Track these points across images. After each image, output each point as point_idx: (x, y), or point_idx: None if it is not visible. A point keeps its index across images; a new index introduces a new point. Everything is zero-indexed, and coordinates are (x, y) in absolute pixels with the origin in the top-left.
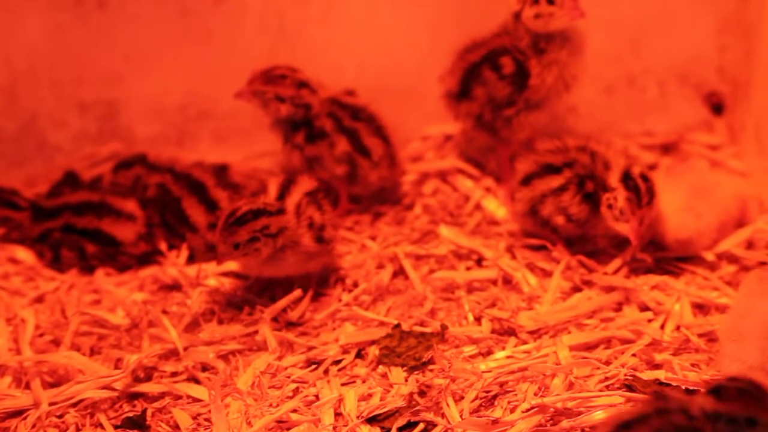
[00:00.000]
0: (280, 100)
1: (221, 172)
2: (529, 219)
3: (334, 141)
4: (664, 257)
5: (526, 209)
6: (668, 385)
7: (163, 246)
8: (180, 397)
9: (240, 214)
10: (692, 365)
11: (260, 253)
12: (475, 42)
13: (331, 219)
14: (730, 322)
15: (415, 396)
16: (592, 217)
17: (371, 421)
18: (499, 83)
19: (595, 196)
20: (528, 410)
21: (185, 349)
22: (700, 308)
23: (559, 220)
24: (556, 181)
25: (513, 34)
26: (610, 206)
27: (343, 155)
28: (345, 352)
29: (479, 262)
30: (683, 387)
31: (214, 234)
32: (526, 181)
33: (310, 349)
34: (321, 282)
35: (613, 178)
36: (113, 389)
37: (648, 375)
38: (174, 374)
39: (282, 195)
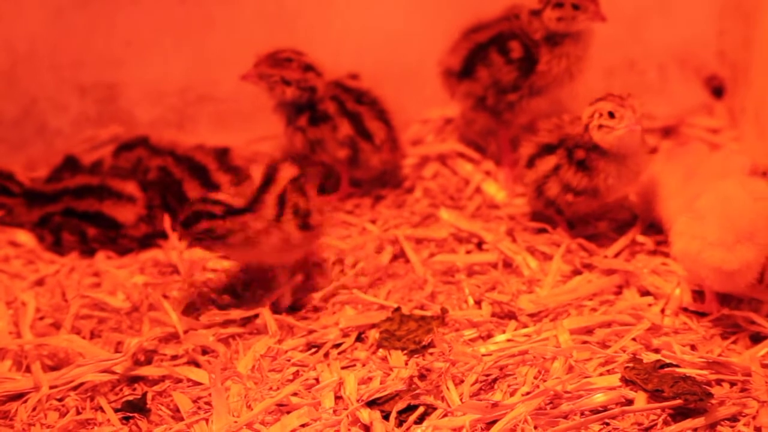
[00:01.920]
0: (286, 83)
1: (223, 155)
2: (539, 201)
3: (337, 124)
4: (665, 240)
5: (533, 191)
6: (669, 365)
7: (166, 224)
8: (180, 381)
9: (187, 215)
10: (691, 347)
11: (222, 247)
12: (481, 23)
13: (318, 204)
14: (682, 202)
15: (415, 379)
16: (595, 183)
17: (371, 404)
18: (505, 67)
19: (585, 162)
20: (528, 393)
21: (185, 332)
22: (700, 293)
23: (569, 197)
24: (553, 160)
25: (526, 25)
26: (600, 126)
27: (345, 138)
28: (345, 335)
29: (479, 245)
30: None
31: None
32: (530, 163)
33: (311, 332)
34: (318, 265)
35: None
36: (113, 372)
37: (648, 358)
38: (174, 357)
39: (266, 183)
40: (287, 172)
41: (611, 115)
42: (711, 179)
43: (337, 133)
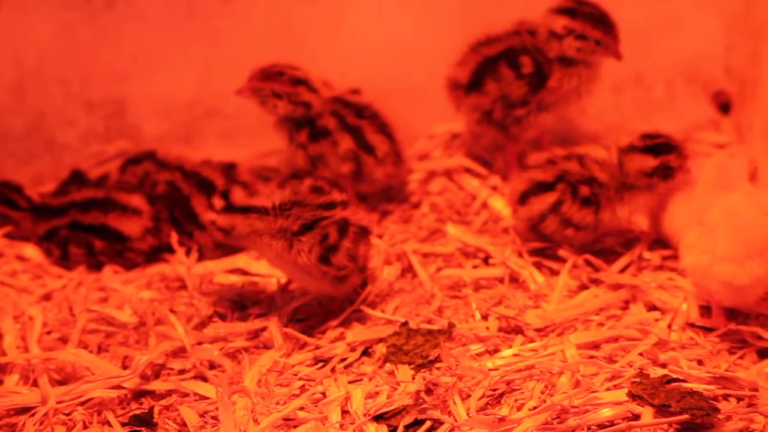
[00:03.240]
0: (277, 97)
1: (229, 170)
2: (532, 234)
3: (338, 139)
4: (672, 255)
5: (526, 227)
6: (676, 380)
7: (173, 239)
8: (187, 395)
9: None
10: (698, 362)
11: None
12: (490, 37)
13: (351, 250)
14: (692, 214)
15: (422, 394)
16: (599, 219)
17: (378, 419)
18: (515, 81)
19: (593, 198)
20: (535, 408)
21: (192, 346)
22: (708, 308)
23: (569, 232)
24: (551, 197)
25: (542, 43)
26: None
27: (347, 153)
28: (352, 349)
29: (486, 260)
30: None
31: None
32: (522, 200)
33: (318, 347)
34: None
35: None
36: (121, 387)
37: (654, 373)
38: (181, 372)
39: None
40: (357, 218)
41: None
42: (710, 188)
43: (338, 147)
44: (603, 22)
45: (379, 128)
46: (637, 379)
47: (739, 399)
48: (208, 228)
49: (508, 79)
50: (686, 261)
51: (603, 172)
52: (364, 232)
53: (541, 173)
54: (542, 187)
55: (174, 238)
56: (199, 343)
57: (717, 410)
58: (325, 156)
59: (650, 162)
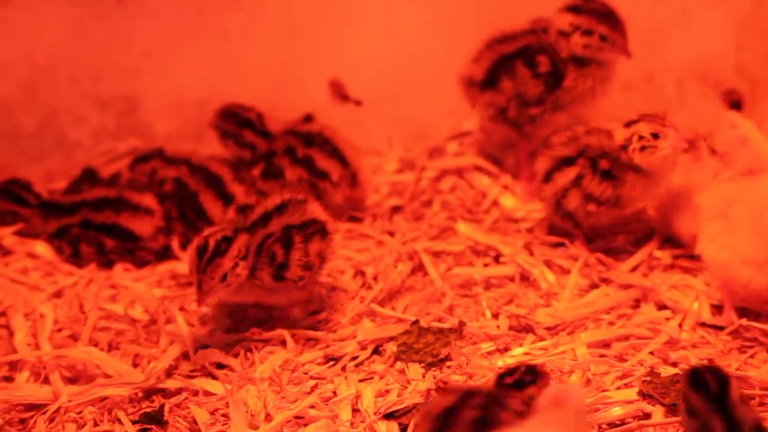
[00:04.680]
0: (227, 137)
1: (238, 165)
2: (557, 214)
3: (288, 177)
4: (683, 254)
5: (552, 205)
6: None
7: (174, 244)
8: (197, 393)
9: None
10: (709, 361)
11: (240, 278)
12: (506, 34)
13: (304, 258)
14: (715, 203)
15: (433, 392)
16: (619, 194)
17: (388, 417)
18: (531, 81)
19: (612, 171)
20: None
21: (202, 347)
22: (719, 308)
23: (591, 207)
24: (573, 172)
25: (555, 43)
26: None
27: (303, 183)
28: (362, 348)
29: (497, 258)
30: None
31: (192, 278)
32: (547, 177)
33: (328, 345)
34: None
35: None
36: (132, 384)
37: (665, 371)
38: (192, 370)
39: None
40: (287, 219)
41: (655, 136)
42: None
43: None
44: (609, 18)
45: (330, 154)
46: (648, 378)
47: (750, 398)
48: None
49: (524, 77)
50: (706, 252)
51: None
52: (312, 230)
53: (564, 149)
54: (565, 162)
55: (175, 242)
56: (208, 344)
57: None
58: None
59: (622, 134)
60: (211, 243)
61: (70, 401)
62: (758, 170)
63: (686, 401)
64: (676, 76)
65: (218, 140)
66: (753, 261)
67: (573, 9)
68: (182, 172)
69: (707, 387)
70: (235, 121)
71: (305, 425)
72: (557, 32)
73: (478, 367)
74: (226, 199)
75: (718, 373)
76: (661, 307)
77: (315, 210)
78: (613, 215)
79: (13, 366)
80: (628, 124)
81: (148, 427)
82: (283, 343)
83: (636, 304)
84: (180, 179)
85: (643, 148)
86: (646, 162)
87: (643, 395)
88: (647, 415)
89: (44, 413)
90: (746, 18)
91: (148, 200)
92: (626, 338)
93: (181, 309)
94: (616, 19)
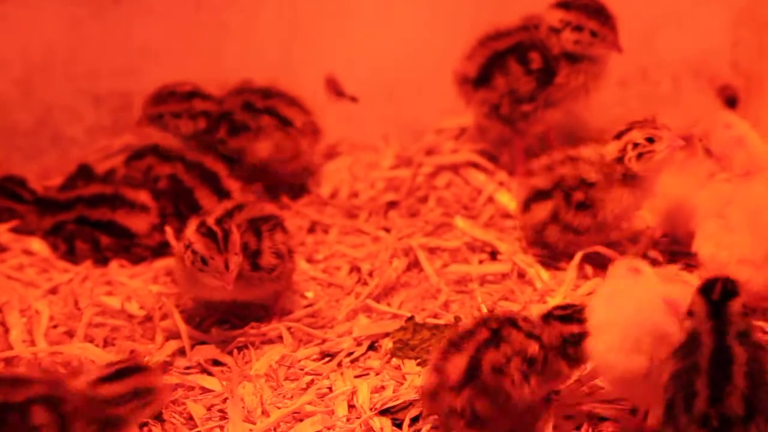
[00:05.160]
0: (177, 117)
1: (232, 162)
2: (538, 243)
3: (258, 123)
4: (679, 252)
5: (530, 234)
6: None
7: (169, 234)
8: (193, 389)
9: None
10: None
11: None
12: (499, 31)
13: (274, 246)
14: (712, 201)
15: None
16: (600, 219)
17: (384, 413)
18: (524, 77)
19: (588, 201)
20: None
21: (199, 343)
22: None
23: (571, 237)
24: (550, 204)
25: (546, 40)
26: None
27: (268, 128)
28: (358, 344)
29: (492, 254)
30: None
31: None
32: (526, 207)
33: (324, 341)
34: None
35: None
36: None
37: None
38: (188, 366)
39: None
40: (248, 214)
41: (650, 140)
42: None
43: (259, 129)
44: (599, 13)
45: (290, 102)
46: None
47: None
48: None
49: (517, 74)
50: (702, 251)
51: (596, 171)
52: (274, 222)
53: (541, 180)
54: (541, 195)
55: (169, 232)
56: (204, 340)
57: None
58: (245, 149)
59: (615, 146)
60: (214, 227)
61: None
62: (755, 171)
63: (691, 302)
64: (671, 72)
65: (162, 131)
66: (750, 261)
67: (563, 5)
68: (177, 169)
69: (711, 292)
70: (180, 97)
71: (301, 420)
72: (548, 29)
73: None
74: (222, 194)
75: (727, 284)
76: None
77: (270, 208)
78: (600, 237)
79: (9, 362)
80: (618, 136)
81: (145, 421)
82: (280, 338)
83: None
84: (175, 176)
85: (640, 156)
86: (645, 168)
87: None
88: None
89: None
90: (741, 13)
91: (144, 197)
92: None
93: (177, 305)
94: (607, 15)
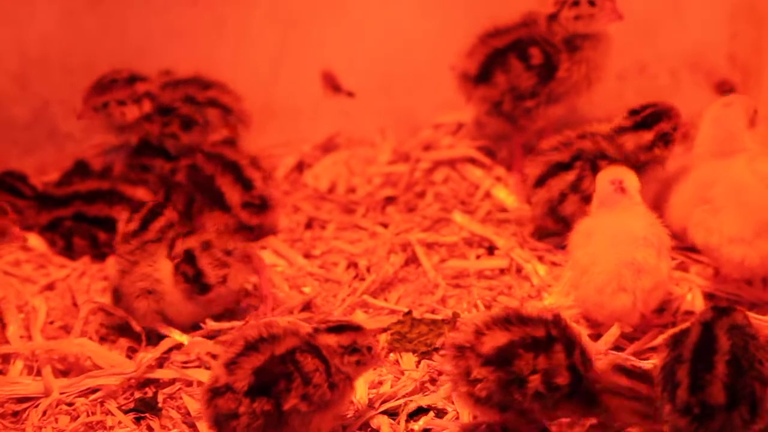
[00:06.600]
0: (122, 104)
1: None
2: (549, 219)
3: (206, 116)
4: (676, 247)
5: (544, 210)
6: None
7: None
8: (191, 384)
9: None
10: None
11: None
12: (498, 28)
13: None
14: (696, 189)
15: (426, 383)
16: None
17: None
18: (525, 73)
19: None
20: None
21: (195, 338)
22: (711, 297)
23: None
24: (570, 176)
25: (545, 32)
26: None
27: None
28: None
29: (490, 250)
30: None
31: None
32: (540, 182)
33: None
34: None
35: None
36: (124, 374)
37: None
38: (185, 360)
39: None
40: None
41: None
42: (710, 139)
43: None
44: None
45: (223, 90)
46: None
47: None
48: None
49: (518, 70)
50: (696, 239)
51: (612, 147)
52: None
53: (557, 154)
54: (560, 167)
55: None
56: (201, 335)
57: None
58: (200, 145)
59: (647, 136)
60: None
61: (62, 393)
62: (730, 152)
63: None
64: (669, 66)
65: (107, 121)
66: (740, 239)
67: None
68: (197, 158)
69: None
70: (122, 83)
71: None
72: (546, 19)
73: None
74: (245, 184)
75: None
76: None
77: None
78: None
79: (6, 358)
80: (649, 126)
81: (143, 414)
82: None
83: None
84: (195, 165)
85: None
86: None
87: None
88: None
89: (37, 406)
90: (739, 7)
91: (142, 193)
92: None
93: None
94: None
